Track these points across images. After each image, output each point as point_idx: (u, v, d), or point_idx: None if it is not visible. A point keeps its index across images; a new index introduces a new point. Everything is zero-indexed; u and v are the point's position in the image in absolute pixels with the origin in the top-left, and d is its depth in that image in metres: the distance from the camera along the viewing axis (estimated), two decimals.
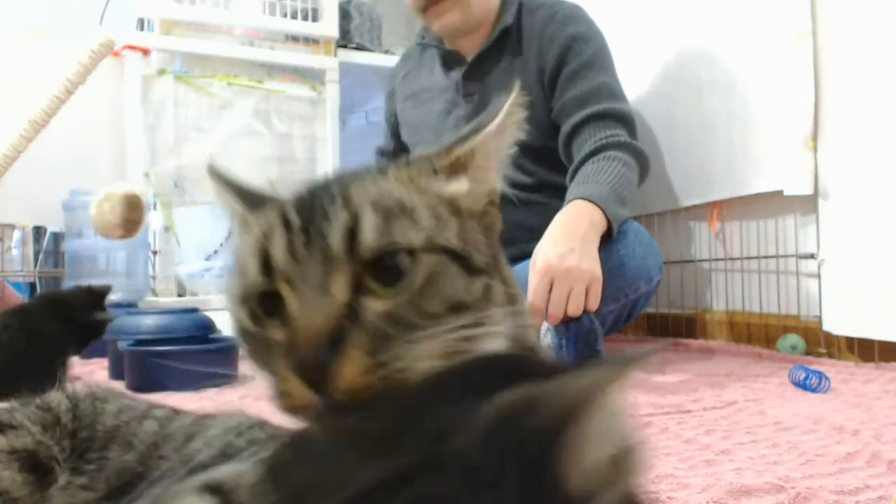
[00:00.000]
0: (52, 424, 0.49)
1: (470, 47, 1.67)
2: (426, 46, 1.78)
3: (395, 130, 1.90)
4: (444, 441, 0.26)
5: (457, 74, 1.68)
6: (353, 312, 0.33)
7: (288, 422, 0.35)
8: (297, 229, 0.35)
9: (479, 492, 0.24)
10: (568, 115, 1.52)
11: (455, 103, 1.69)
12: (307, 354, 0.32)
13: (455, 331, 0.34)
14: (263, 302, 0.35)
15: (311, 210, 0.36)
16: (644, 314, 1.91)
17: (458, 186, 0.40)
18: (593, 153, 1.44)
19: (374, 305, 0.34)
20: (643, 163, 1.48)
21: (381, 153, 1.95)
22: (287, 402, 0.33)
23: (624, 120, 1.49)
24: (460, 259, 0.36)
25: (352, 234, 0.34)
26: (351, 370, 0.32)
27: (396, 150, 1.88)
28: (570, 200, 1.34)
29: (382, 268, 0.34)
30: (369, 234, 0.34)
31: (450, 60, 1.71)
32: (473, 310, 0.35)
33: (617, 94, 1.54)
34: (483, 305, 0.36)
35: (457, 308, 0.35)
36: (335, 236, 0.34)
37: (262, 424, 0.51)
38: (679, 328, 1.95)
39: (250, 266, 0.36)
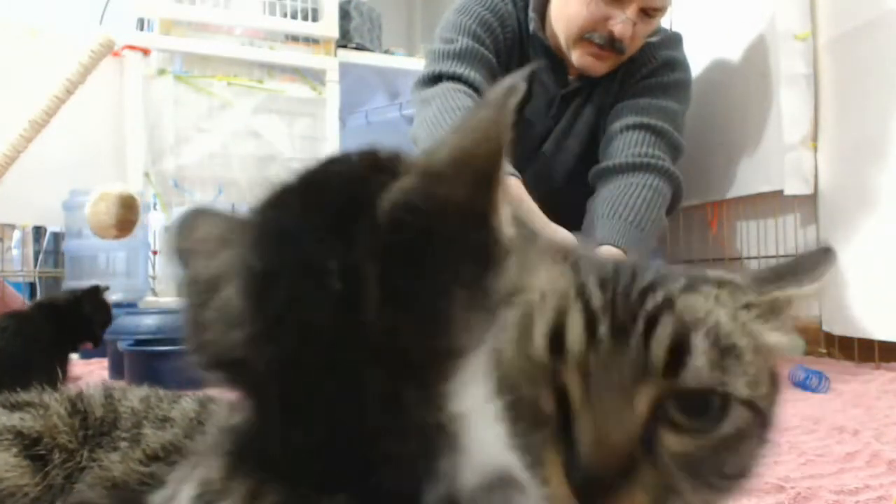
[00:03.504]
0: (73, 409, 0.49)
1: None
2: (531, 34, 1.51)
3: (489, 67, 1.45)
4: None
5: (555, 89, 1.53)
6: (648, 441, 0.30)
7: None
8: (602, 317, 0.31)
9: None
10: (622, 117, 1.45)
11: (540, 114, 1.53)
12: (592, 469, 0.29)
13: None
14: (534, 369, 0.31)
15: (624, 301, 0.32)
16: None
17: (779, 339, 0.35)
18: (636, 167, 1.38)
19: (674, 443, 0.30)
20: (677, 195, 1.44)
21: (470, 85, 1.40)
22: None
23: (675, 146, 1.45)
24: (763, 425, 0.33)
25: (677, 353, 0.30)
26: None
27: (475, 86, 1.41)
28: (607, 241, 1.28)
29: (691, 402, 0.30)
30: (702, 364, 0.30)
31: (554, 70, 1.53)
32: (747, 483, 0.31)
33: (678, 124, 1.48)
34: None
35: (738, 478, 0.31)
36: (658, 349, 0.30)
37: None
38: None
39: (535, 336, 0.31)
